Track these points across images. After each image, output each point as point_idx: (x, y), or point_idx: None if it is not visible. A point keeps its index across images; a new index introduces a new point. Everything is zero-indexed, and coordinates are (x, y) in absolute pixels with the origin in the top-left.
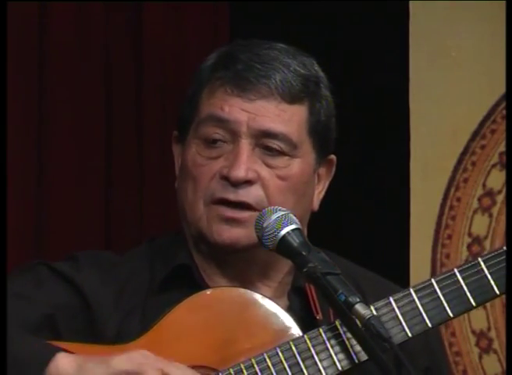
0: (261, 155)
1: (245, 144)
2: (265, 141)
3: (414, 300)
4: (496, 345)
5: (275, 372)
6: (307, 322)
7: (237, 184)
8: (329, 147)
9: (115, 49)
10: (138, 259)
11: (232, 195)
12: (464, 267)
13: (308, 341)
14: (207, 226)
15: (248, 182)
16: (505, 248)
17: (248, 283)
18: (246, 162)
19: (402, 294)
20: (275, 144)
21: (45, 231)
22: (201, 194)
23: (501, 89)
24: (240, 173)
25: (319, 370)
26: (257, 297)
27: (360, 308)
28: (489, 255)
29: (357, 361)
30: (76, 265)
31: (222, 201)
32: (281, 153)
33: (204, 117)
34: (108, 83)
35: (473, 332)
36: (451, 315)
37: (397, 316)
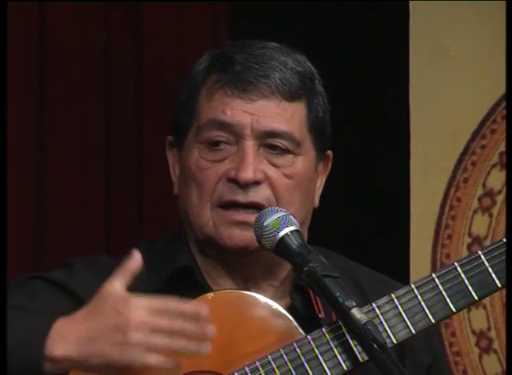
0: (266, 154)
1: (250, 146)
2: (270, 141)
3: (416, 296)
4: (496, 345)
5: (281, 374)
6: (309, 321)
7: (246, 186)
8: (327, 142)
9: (115, 49)
10: None
11: (241, 197)
12: (464, 261)
13: (312, 342)
14: (215, 230)
15: (256, 183)
16: (504, 239)
17: (253, 283)
18: (253, 163)
19: (404, 291)
20: (279, 142)
21: (45, 232)
22: (207, 198)
23: (501, 89)
24: (248, 174)
25: (324, 371)
26: (259, 299)
27: (356, 312)
28: (489, 248)
29: (361, 360)
30: (71, 271)
31: (232, 203)
32: (285, 152)
33: (205, 122)
34: (108, 83)
35: (473, 332)
36: (454, 310)
37: (400, 313)
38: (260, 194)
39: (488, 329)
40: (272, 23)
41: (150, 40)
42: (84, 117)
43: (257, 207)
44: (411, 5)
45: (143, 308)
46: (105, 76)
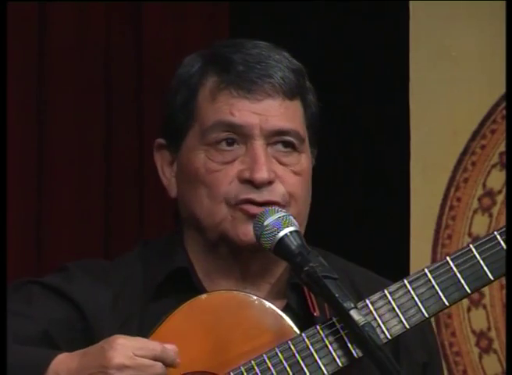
0: (274, 153)
1: (260, 146)
2: (278, 139)
3: (409, 291)
4: (496, 345)
5: (276, 372)
6: (304, 319)
7: (261, 186)
8: (317, 138)
9: (115, 49)
10: (132, 264)
11: (256, 196)
12: (456, 255)
13: (307, 340)
14: (231, 226)
15: (269, 182)
16: (495, 232)
17: (250, 281)
18: (265, 163)
19: (397, 286)
20: (288, 139)
21: (45, 233)
22: (222, 198)
23: (501, 89)
24: (263, 174)
25: (320, 368)
26: (253, 299)
27: (354, 314)
28: (481, 241)
29: (356, 356)
30: (67, 275)
31: (248, 201)
32: (293, 149)
33: (211, 124)
34: (108, 83)
35: (473, 332)
36: (447, 303)
37: (394, 309)
38: (274, 192)
39: (488, 329)
40: (272, 23)
41: (150, 39)
42: (84, 117)
43: (273, 205)
44: (411, 5)
45: (128, 348)
46: (105, 76)
